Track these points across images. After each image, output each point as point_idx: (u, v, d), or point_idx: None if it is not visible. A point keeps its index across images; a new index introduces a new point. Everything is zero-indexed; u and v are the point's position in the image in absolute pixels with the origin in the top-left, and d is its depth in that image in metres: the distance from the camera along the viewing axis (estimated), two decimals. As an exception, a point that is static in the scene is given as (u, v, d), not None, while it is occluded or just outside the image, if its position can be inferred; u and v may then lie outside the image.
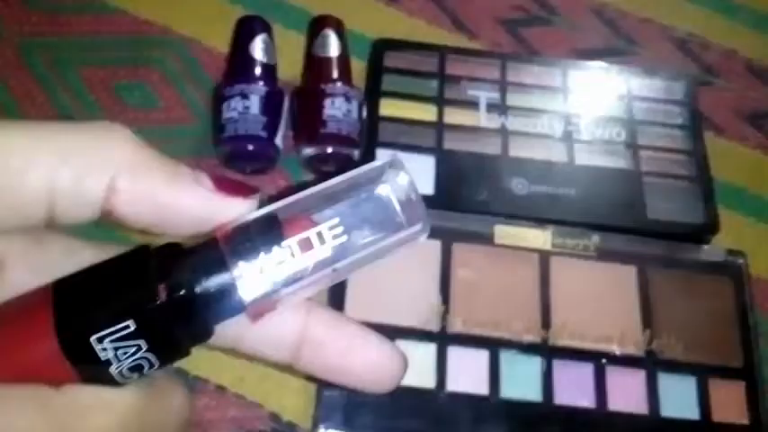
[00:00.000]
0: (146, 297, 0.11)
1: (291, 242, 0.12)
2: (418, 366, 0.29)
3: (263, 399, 0.29)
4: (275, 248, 0.12)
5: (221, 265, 0.12)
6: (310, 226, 0.12)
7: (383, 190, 0.13)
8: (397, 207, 0.13)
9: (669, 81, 0.39)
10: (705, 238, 0.34)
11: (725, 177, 0.37)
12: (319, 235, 0.12)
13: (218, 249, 0.12)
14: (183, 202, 0.12)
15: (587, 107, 0.37)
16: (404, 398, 0.29)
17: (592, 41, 0.41)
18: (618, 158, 0.36)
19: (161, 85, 0.37)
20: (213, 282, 0.12)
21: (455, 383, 0.29)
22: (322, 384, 0.29)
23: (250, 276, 0.12)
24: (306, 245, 0.12)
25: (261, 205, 0.13)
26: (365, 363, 0.14)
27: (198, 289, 0.12)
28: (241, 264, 0.12)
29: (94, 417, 0.12)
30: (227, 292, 0.12)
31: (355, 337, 0.14)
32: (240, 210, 0.13)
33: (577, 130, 0.36)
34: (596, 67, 0.39)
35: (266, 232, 0.12)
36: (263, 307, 0.12)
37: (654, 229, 0.33)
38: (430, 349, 0.30)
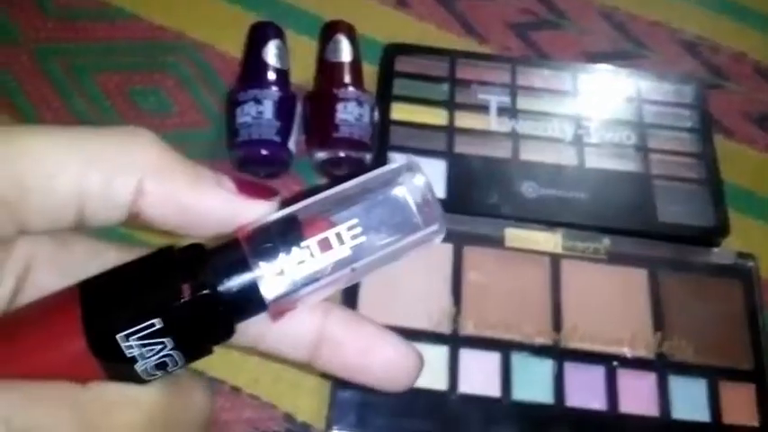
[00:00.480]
0: (171, 296, 0.12)
1: (311, 242, 0.12)
2: (430, 368, 0.29)
3: (278, 400, 0.30)
4: (295, 249, 0.12)
5: (243, 265, 0.12)
6: (329, 227, 0.12)
7: (399, 191, 0.13)
8: (414, 208, 0.13)
9: (678, 84, 0.39)
10: (715, 240, 0.34)
11: (735, 180, 0.37)
12: (338, 235, 0.12)
13: (240, 250, 0.12)
14: (207, 203, 0.13)
15: (597, 110, 0.37)
16: (416, 399, 0.29)
17: (601, 45, 0.42)
18: (628, 161, 0.36)
19: (175, 90, 0.37)
20: (236, 281, 0.12)
21: (467, 385, 0.29)
22: (336, 385, 0.29)
23: (271, 276, 0.12)
24: (325, 245, 0.12)
25: (280, 207, 0.13)
26: (383, 362, 0.14)
27: (221, 288, 0.12)
28: (262, 264, 0.12)
29: (120, 413, 0.12)
30: (249, 291, 0.12)
31: (373, 337, 0.14)
32: (261, 211, 0.13)
33: (587, 133, 0.36)
34: (606, 71, 0.39)
35: (286, 233, 0.12)
36: (283, 306, 0.13)
37: (664, 232, 0.34)
38: (442, 351, 0.30)
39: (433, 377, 0.30)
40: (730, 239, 0.34)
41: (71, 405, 0.11)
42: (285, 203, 0.13)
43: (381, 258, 0.13)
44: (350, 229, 0.12)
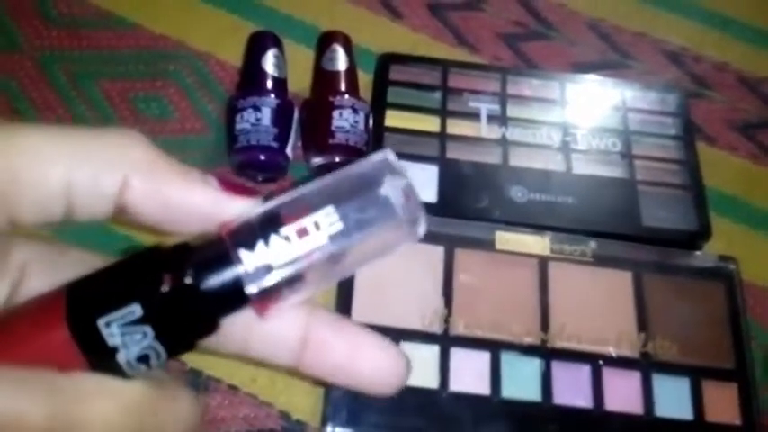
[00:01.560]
0: (151, 283, 0.12)
1: (289, 230, 0.12)
2: (422, 367, 0.31)
3: (274, 398, 0.31)
4: (274, 238, 0.12)
5: (225, 259, 0.12)
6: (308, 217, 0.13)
7: (381, 185, 0.13)
8: (394, 200, 0.13)
9: (663, 93, 0.40)
10: (698, 244, 0.35)
11: (717, 186, 0.38)
12: (315, 224, 0.13)
13: (222, 244, 0.12)
14: (193, 199, 0.13)
15: (584, 118, 0.39)
16: (408, 397, 0.30)
17: (588, 55, 0.43)
18: (614, 168, 0.37)
19: (176, 97, 0.38)
20: (217, 274, 0.12)
21: (457, 383, 0.30)
22: (330, 385, 0.30)
23: (253, 269, 0.12)
24: (302, 232, 0.12)
25: (264, 202, 0.13)
26: (371, 364, 0.14)
27: (203, 280, 0.12)
28: (244, 257, 0.12)
29: (97, 402, 0.12)
30: (231, 284, 0.12)
31: (360, 339, 0.14)
32: (244, 207, 0.13)
33: (575, 140, 0.38)
34: (593, 80, 0.40)
35: (267, 226, 0.13)
36: (267, 299, 0.13)
37: (648, 236, 0.35)
38: (433, 351, 0.31)
39: (425, 376, 0.30)
40: (712, 243, 0.35)
41: (47, 390, 0.11)
42: (269, 197, 0.13)
43: (364, 252, 0.13)
44: (327, 216, 0.13)
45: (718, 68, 0.43)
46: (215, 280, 0.12)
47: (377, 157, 0.13)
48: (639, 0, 0.46)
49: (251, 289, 0.12)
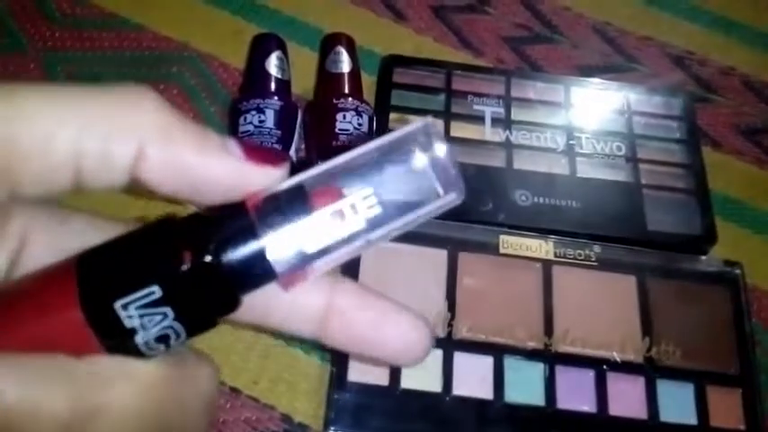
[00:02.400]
0: (170, 261, 0.11)
1: (323, 212, 0.12)
2: (425, 371, 0.30)
3: (276, 401, 0.30)
4: (305, 218, 0.11)
5: (251, 234, 0.11)
6: (341, 196, 0.12)
7: (417, 156, 0.12)
8: (432, 174, 0.12)
9: (668, 97, 0.40)
10: (703, 249, 0.35)
11: (722, 190, 0.38)
12: (353, 206, 0.12)
13: (247, 217, 0.11)
14: (212, 169, 0.12)
15: (589, 122, 0.39)
16: (411, 401, 0.30)
17: (593, 59, 0.43)
18: (618, 171, 0.37)
19: (179, 99, 0.38)
20: (242, 250, 0.11)
21: (460, 388, 0.30)
22: (333, 386, 0.30)
23: (281, 245, 0.11)
24: (338, 215, 0.12)
25: (290, 175, 0.12)
26: (396, 335, 0.13)
27: (226, 256, 0.11)
28: (271, 233, 0.11)
29: (116, 386, 0.11)
30: (256, 260, 0.11)
31: (385, 308, 0.13)
32: (270, 178, 0.12)
33: (579, 144, 0.37)
34: (597, 84, 0.40)
35: (296, 202, 0.12)
36: (294, 277, 0.12)
37: (653, 241, 0.35)
38: (436, 354, 0.31)
39: (428, 379, 0.30)
40: (717, 248, 0.35)
41: (64, 378, 0.11)
42: (295, 170, 0.12)
43: (398, 227, 0.12)
44: (365, 198, 0.12)
45: (724, 72, 0.43)
46: (239, 257, 0.11)
47: (411, 126, 0.12)
48: (645, 3, 0.45)
49: (279, 267, 0.11)
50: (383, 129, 0.36)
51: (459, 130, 0.37)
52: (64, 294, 0.11)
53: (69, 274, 0.11)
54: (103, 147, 0.11)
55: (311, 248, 0.12)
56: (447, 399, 0.30)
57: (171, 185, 0.12)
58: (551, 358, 0.31)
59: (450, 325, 0.32)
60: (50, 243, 0.13)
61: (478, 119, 0.38)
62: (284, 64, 0.37)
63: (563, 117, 0.38)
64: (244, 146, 0.12)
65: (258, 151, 0.12)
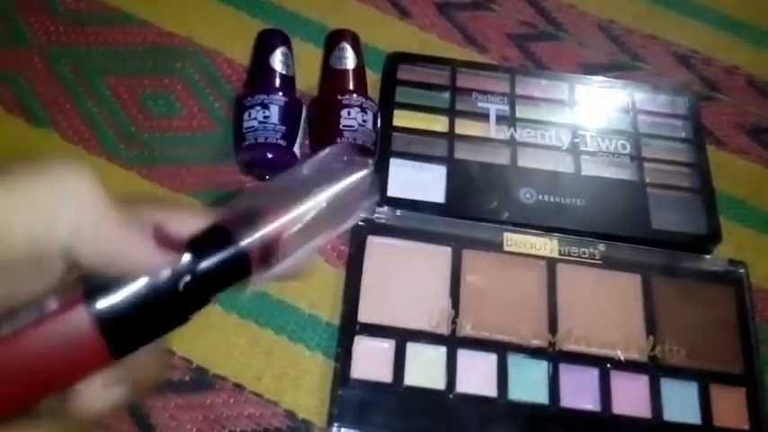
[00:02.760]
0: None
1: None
2: (429, 368, 0.30)
3: (280, 397, 0.30)
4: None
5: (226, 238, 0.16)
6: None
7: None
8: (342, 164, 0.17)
9: (672, 96, 0.40)
10: (707, 248, 0.35)
11: (726, 189, 0.38)
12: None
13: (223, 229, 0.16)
14: (131, 254, 0.15)
15: (593, 120, 0.38)
16: (415, 398, 0.30)
17: (598, 57, 0.43)
18: (623, 170, 0.37)
19: (184, 94, 0.38)
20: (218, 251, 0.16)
21: (464, 385, 0.30)
22: (337, 383, 0.30)
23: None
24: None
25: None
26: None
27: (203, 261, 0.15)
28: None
29: None
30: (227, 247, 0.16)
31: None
32: (169, 262, 0.15)
33: (584, 142, 0.37)
34: (602, 82, 0.40)
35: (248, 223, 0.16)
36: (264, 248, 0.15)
37: (657, 239, 0.34)
38: (440, 352, 0.31)
39: (432, 377, 0.30)
40: (722, 247, 0.35)
41: None
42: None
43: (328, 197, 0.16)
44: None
45: (729, 71, 0.43)
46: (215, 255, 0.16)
47: (336, 148, 0.17)
48: (650, 1, 0.45)
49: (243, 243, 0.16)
50: (388, 126, 0.36)
51: (463, 127, 0.37)
52: (86, 342, 0.15)
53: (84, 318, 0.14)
54: (46, 238, 0.14)
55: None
56: (450, 396, 0.30)
57: (95, 262, 0.14)
58: (555, 356, 0.31)
59: (453, 322, 0.32)
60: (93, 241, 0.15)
61: (483, 116, 0.38)
62: (289, 60, 0.36)
63: (568, 115, 0.38)
64: (156, 234, 0.15)
65: (168, 240, 0.15)
